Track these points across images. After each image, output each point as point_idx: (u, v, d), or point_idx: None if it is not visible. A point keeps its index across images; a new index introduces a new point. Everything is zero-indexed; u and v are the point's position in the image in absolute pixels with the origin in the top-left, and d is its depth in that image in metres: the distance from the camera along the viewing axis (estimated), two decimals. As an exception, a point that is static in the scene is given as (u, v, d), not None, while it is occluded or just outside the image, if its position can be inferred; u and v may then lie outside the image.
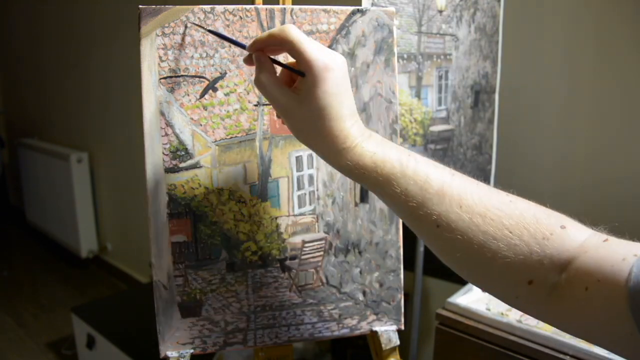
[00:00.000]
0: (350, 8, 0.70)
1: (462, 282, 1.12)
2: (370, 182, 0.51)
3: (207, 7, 0.65)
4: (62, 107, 3.38)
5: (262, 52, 0.54)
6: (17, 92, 3.99)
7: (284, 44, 0.51)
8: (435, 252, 0.52)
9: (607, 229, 0.47)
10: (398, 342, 0.73)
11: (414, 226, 0.52)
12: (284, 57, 0.60)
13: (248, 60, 0.56)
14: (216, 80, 0.66)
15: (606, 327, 0.42)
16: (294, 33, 0.50)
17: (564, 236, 0.45)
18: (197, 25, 0.64)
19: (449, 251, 0.50)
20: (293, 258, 0.72)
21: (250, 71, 0.67)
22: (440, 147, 1.16)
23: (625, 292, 0.38)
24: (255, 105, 0.68)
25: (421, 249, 1.30)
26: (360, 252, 0.73)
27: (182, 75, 0.65)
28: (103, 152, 3.05)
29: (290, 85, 0.55)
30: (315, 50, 0.50)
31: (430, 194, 0.48)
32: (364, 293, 0.74)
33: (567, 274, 0.44)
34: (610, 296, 0.40)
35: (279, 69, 0.56)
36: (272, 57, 0.55)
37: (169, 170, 0.66)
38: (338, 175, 0.72)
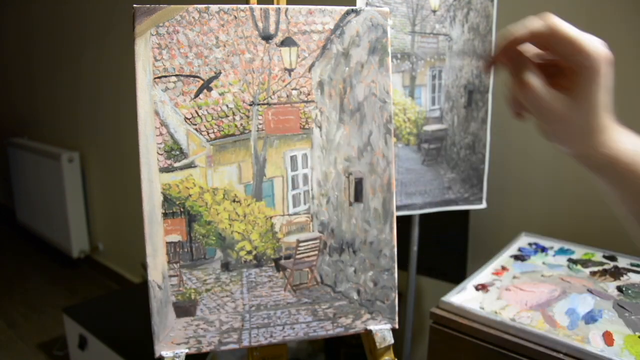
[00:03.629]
0: (345, 8, 0.70)
1: (455, 281, 1.13)
2: (619, 176, 0.48)
3: (201, 7, 0.65)
4: (52, 106, 3.36)
5: (518, 51, 0.48)
6: (7, 91, 3.95)
7: (553, 39, 0.45)
8: None
9: None
10: (392, 341, 0.73)
11: None
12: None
13: (489, 67, 0.51)
14: (211, 79, 0.66)
15: None
16: (566, 26, 0.45)
17: None
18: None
19: None
20: (288, 257, 0.72)
21: (244, 71, 0.67)
22: (433, 147, 1.16)
23: None
24: (250, 105, 0.68)
25: (415, 248, 1.30)
26: (354, 251, 0.74)
27: (176, 75, 0.65)
28: (94, 152, 3.03)
29: None
30: (593, 42, 0.44)
31: None
32: (359, 292, 0.74)
33: None
34: None
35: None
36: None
37: (164, 170, 0.66)
38: (332, 174, 0.72)
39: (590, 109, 0.46)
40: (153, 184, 0.65)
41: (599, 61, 0.45)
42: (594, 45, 0.44)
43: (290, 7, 0.68)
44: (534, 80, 0.46)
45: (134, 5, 0.62)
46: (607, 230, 1.25)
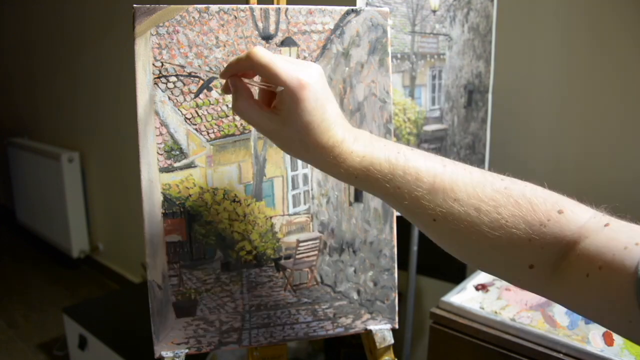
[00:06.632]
0: (345, 8, 0.70)
1: (455, 281, 1.13)
2: (363, 184, 0.51)
3: (201, 7, 0.65)
4: (52, 106, 3.36)
5: (236, 77, 0.53)
6: (7, 91, 3.95)
7: (255, 67, 0.50)
8: (436, 242, 0.53)
9: (607, 209, 0.46)
10: (392, 341, 0.73)
11: (412, 220, 0.52)
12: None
13: (226, 89, 0.56)
14: (211, 79, 0.66)
15: (607, 312, 0.42)
16: (263, 55, 0.49)
17: (561, 221, 0.45)
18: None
19: (448, 242, 0.51)
20: (288, 257, 0.72)
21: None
22: (433, 147, 1.16)
23: (632, 282, 0.38)
24: (250, 105, 0.68)
25: (415, 248, 1.30)
26: (354, 251, 0.74)
27: (176, 75, 0.65)
28: (94, 152, 3.03)
29: (270, 105, 0.55)
30: (288, 70, 0.49)
31: (422, 190, 0.48)
32: (358, 292, 0.74)
33: (569, 259, 0.44)
34: (611, 284, 0.40)
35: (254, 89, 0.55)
36: (249, 80, 0.54)
37: (164, 170, 0.66)
38: (333, 174, 0.72)
39: (299, 128, 0.50)
40: (153, 184, 0.65)
41: (294, 88, 0.48)
42: (288, 73, 0.48)
43: (290, 7, 0.68)
44: (240, 103, 0.52)
45: (134, 5, 0.62)
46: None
